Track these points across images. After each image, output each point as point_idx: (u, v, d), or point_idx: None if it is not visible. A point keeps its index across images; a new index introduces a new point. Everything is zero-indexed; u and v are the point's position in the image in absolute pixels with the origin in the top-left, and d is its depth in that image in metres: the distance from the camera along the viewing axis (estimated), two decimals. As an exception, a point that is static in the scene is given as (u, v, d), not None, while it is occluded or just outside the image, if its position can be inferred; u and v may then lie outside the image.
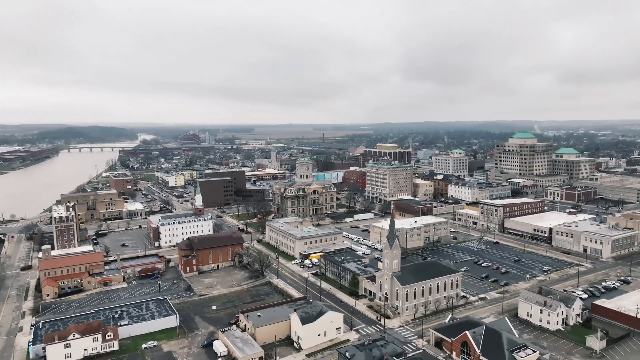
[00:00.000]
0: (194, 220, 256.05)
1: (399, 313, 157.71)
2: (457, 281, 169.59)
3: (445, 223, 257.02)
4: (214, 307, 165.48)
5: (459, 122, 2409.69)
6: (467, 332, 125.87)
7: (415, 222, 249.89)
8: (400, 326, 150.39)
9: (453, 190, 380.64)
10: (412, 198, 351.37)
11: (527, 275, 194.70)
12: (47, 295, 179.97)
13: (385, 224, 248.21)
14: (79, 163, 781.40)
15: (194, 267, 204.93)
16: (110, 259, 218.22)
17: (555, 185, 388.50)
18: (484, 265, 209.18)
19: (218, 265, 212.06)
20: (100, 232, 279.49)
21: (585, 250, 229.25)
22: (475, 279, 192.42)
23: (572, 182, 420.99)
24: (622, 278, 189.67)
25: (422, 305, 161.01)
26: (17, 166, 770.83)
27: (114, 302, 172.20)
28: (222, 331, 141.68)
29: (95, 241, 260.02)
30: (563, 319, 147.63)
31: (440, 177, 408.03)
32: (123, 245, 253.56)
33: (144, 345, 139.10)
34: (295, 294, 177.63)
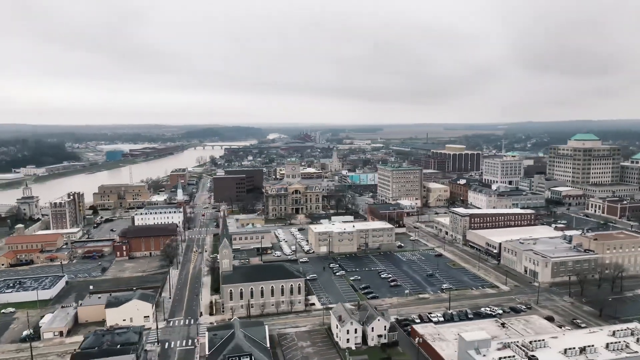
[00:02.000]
0: (165, 212, 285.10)
1: (223, 311, 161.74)
2: (299, 287, 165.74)
3: (390, 230, 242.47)
4: (91, 287, 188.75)
5: (618, 120, 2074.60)
6: (208, 332, 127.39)
7: (354, 226, 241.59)
8: (210, 323, 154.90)
9: (472, 197, 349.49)
10: (406, 203, 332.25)
11: (406, 292, 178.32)
12: (2, 264, 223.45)
13: (323, 227, 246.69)
14: (189, 159, 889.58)
15: (124, 253, 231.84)
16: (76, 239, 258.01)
17: (599, 197, 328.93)
18: (382, 276, 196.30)
19: (150, 253, 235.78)
20: (108, 219, 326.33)
21: (525, 271, 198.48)
22: (352, 289, 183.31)
23: None
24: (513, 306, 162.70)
25: (252, 306, 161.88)
26: (139, 161, 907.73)
27: (41, 274, 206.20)
28: (62, 306, 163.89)
29: (95, 226, 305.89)
30: (361, 337, 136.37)
31: (462, 181, 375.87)
32: (112, 230, 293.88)
33: (2, 311, 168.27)
34: (174, 282, 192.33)
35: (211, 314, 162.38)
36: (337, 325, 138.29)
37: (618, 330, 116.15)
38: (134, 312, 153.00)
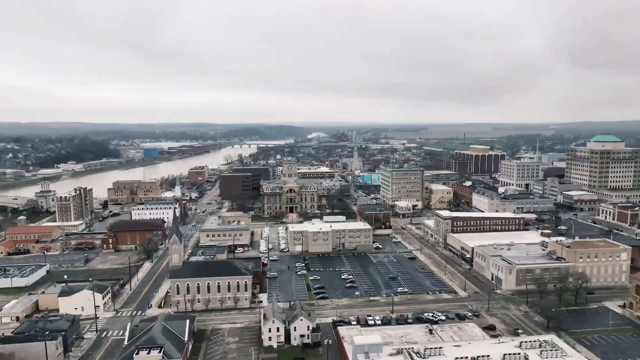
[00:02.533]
0: (160, 208, 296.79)
1: (170, 305, 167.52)
2: (245, 284, 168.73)
3: (367, 231, 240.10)
4: (65, 276, 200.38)
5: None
6: (129, 324, 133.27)
7: (331, 227, 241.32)
8: (156, 315, 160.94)
9: (475, 199, 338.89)
10: (404, 205, 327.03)
11: (357, 293, 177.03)
12: (0, 252, 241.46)
13: (300, 226, 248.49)
14: (221, 157, 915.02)
15: (110, 246, 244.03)
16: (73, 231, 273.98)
17: (611, 203, 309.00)
18: (342, 277, 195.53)
19: (135, 247, 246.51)
20: (115, 213, 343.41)
21: (492, 277, 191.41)
22: (307, 288, 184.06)
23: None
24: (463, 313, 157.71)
25: (198, 301, 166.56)
26: (174, 158, 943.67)
27: (33, 263, 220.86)
28: (29, 294, 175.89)
29: (101, 219, 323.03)
30: (284, 336, 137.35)
31: (468, 183, 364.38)
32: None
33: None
34: (141, 276, 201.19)
35: (160, 307, 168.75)
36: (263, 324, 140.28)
37: (525, 342, 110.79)
38: (85, 302, 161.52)
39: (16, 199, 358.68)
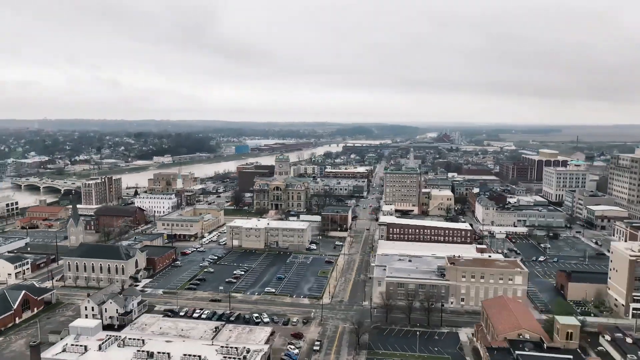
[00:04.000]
0: (159, 198, 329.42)
1: (63, 278, 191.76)
2: (122, 267, 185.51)
3: (301, 231, 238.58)
4: (29, 249, 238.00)
5: None
6: None
7: (268, 224, 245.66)
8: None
9: (477, 208, 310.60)
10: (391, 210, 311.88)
11: (221, 287, 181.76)
12: (17, 226, 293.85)
13: (239, 222, 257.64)
14: (304, 155, 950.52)
15: (92, 227, 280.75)
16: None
17: (627, 221, 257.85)
18: (235, 272, 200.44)
19: (113, 229, 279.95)
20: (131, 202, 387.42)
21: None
22: (187, 279, 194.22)
23: None
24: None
25: (86, 279, 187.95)
26: (263, 155, 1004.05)
27: (13, 236, 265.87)
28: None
29: (124, 205, 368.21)
30: (99, 315, 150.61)
31: (475, 190, 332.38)
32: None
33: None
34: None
35: (58, 280, 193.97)
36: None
37: (226, 347, 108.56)
38: (0, 269, 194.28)
39: (74, 183, 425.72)
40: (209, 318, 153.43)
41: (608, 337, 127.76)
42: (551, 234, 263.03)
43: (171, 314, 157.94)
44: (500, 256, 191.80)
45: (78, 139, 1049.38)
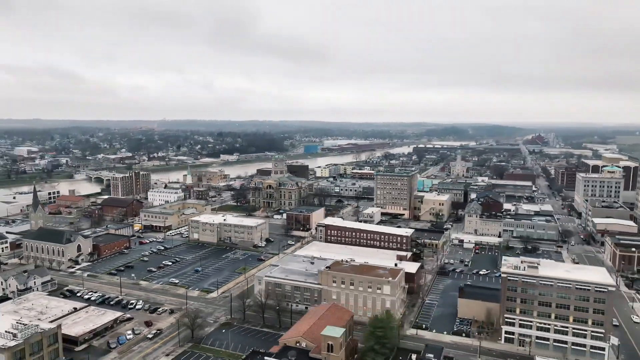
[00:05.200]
0: (167, 192, 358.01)
1: (22, 257, 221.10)
2: (62, 250, 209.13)
3: (250, 228, 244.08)
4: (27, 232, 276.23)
5: None
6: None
7: (225, 219, 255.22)
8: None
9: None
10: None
11: (133, 275, 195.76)
12: (47, 212, 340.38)
13: (202, 217, 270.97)
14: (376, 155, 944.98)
15: (96, 215, 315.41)
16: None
17: (619, 237, 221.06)
18: (163, 262, 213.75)
19: (114, 218, 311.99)
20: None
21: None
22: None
23: None
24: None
25: (39, 259, 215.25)
26: (332, 154, 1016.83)
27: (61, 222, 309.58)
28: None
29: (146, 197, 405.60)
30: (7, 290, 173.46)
31: (472, 196, 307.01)
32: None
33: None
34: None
35: (20, 259, 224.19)
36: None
37: (19, 322, 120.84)
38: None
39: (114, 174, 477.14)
40: (97, 300, 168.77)
41: (414, 357, 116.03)
42: (529, 247, 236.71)
43: (69, 293, 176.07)
44: (413, 266, 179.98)
45: (173, 137, 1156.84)
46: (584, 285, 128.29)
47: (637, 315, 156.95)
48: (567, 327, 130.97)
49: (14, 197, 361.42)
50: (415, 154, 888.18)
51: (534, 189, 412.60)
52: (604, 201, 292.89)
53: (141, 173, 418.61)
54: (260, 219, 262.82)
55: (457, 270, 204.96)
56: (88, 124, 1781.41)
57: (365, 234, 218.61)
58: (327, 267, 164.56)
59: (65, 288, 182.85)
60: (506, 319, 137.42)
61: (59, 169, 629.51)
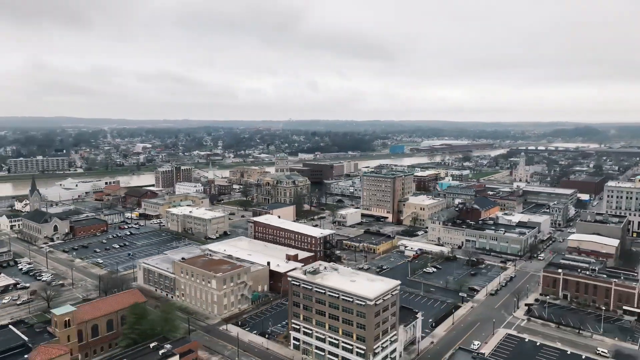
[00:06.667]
0: (187, 186, 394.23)
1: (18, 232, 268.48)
2: (39, 229, 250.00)
3: (204, 221, 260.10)
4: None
5: None
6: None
7: (190, 212, 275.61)
8: None
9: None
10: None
11: (80, 258, 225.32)
12: (93, 198, 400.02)
13: (175, 209, 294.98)
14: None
15: (120, 202, 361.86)
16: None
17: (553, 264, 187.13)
18: (113, 245, 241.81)
19: (134, 207, 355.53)
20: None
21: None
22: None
23: None
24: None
25: (27, 235, 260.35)
26: (419, 155, 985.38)
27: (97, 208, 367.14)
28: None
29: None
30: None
31: (457, 201, 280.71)
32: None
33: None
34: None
35: (18, 233, 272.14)
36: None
37: None
38: (4, 222, 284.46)
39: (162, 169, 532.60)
40: (25, 270, 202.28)
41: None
42: (474, 259, 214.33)
43: (13, 263, 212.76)
44: (289, 266, 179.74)
45: (270, 136, 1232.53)
46: (348, 297, 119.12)
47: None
48: (337, 340, 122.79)
49: (77, 185, 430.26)
50: (506, 156, 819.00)
51: (582, 198, 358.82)
52: (600, 214, 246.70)
53: (182, 168, 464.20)
54: (220, 213, 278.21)
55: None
56: (216, 124, 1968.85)
57: (283, 232, 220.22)
58: (182, 259, 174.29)
59: (12, 259, 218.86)
60: (293, 325, 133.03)
61: (151, 163, 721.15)
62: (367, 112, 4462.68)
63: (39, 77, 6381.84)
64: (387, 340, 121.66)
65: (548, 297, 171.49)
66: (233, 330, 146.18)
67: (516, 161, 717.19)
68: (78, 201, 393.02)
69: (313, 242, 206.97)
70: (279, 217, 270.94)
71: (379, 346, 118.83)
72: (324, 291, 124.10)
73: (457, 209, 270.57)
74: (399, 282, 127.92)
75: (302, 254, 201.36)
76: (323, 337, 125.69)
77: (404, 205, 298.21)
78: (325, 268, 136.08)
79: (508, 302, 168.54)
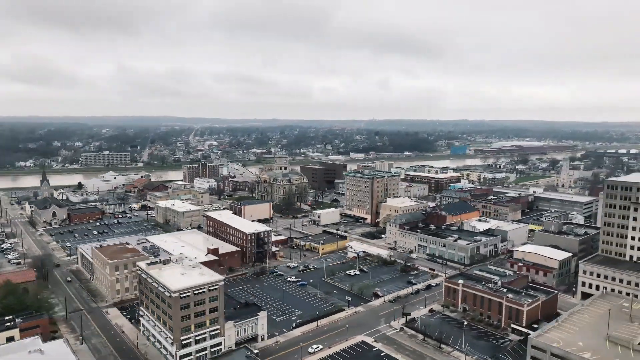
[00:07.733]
0: (205, 182, 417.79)
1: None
2: (39, 214, 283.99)
3: (180, 214, 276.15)
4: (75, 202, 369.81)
5: None
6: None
7: (173, 205, 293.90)
8: None
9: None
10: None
11: (68, 245, 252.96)
12: (127, 191, 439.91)
13: (165, 202, 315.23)
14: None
15: (140, 194, 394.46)
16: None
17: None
18: (94, 232, 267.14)
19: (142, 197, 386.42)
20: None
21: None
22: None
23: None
24: None
25: (34, 218, 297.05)
26: (479, 156, 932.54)
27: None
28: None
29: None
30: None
31: (431, 205, 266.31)
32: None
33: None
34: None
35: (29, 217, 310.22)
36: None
37: None
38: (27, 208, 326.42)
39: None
40: (4, 249, 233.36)
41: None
42: (408, 264, 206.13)
43: (1, 242, 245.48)
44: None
45: (332, 134, 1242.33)
46: (162, 288, 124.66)
47: None
48: (160, 328, 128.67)
49: (115, 178, 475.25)
50: (573, 159, 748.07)
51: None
52: (571, 224, 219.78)
53: (208, 165, 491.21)
54: (196, 207, 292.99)
55: (280, 274, 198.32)
56: (299, 123, 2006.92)
57: (225, 228, 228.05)
58: (100, 246, 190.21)
59: (3, 238, 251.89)
60: (140, 311, 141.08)
61: (206, 159, 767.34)
62: (453, 112, 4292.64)
63: (129, 79, 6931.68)
64: (204, 333, 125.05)
65: (448, 308, 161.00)
66: (112, 313, 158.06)
67: (578, 164, 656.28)
68: (111, 192, 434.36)
69: (244, 237, 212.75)
70: (251, 215, 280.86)
71: (190, 338, 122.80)
72: (151, 281, 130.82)
73: (424, 212, 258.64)
74: (221, 277, 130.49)
75: (231, 248, 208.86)
76: (153, 324, 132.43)
77: (381, 206, 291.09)
78: (176, 261, 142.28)
79: (399, 310, 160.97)
